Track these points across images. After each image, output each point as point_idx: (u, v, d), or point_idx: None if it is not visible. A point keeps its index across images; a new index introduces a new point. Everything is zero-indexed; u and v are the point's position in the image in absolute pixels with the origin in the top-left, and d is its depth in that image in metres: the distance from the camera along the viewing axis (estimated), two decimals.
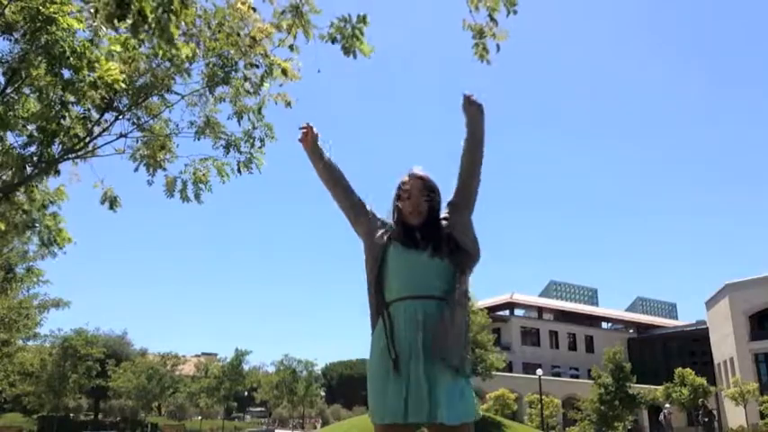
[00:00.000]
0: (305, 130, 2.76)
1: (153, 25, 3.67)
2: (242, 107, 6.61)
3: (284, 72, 5.69)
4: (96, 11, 4.19)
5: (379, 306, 2.58)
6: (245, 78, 5.95)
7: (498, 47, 4.75)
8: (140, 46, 5.75)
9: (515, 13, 4.59)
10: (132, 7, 3.68)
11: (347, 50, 5.09)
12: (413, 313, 2.46)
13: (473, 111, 2.66)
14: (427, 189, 2.61)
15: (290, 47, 5.36)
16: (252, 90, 6.11)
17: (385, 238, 2.61)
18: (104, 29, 5.52)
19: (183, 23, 5.05)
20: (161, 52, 5.39)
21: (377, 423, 2.42)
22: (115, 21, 3.91)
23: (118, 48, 6.59)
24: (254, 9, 5.17)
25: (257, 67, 5.62)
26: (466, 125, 2.68)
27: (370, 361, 2.54)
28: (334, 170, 2.81)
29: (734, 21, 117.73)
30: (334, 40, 5.08)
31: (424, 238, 2.54)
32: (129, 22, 3.81)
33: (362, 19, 4.99)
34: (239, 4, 5.11)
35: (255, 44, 5.34)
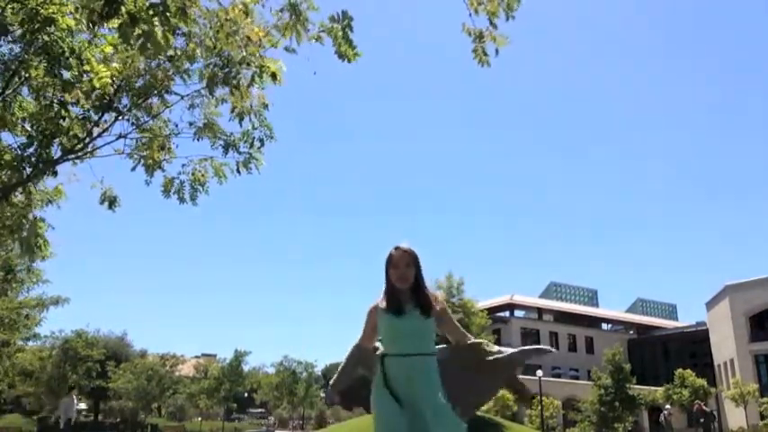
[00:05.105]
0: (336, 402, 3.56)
1: (144, 29, 3.63)
2: (243, 108, 6.58)
3: (274, 76, 5.64)
4: (83, 7, 4.15)
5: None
6: (234, 76, 5.88)
7: (497, 50, 4.76)
8: (132, 49, 5.71)
9: (513, 18, 4.60)
10: (122, 8, 3.64)
11: (341, 54, 5.06)
12: (402, 368, 3.19)
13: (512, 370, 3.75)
14: (411, 260, 3.31)
15: (286, 48, 5.32)
16: (241, 92, 6.05)
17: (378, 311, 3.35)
18: (89, 26, 5.47)
19: (182, 25, 5.02)
20: (149, 54, 5.35)
21: None
22: (100, 20, 3.87)
23: (109, 49, 6.56)
24: (247, 14, 5.12)
25: (249, 65, 5.55)
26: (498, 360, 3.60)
27: (374, 397, 3.29)
28: (355, 369, 3.49)
29: (732, 27, 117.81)
30: (318, 39, 5.05)
31: (411, 302, 3.27)
32: (117, 22, 3.77)
33: (346, 16, 4.95)
34: (234, 9, 5.07)
35: (250, 43, 5.29)
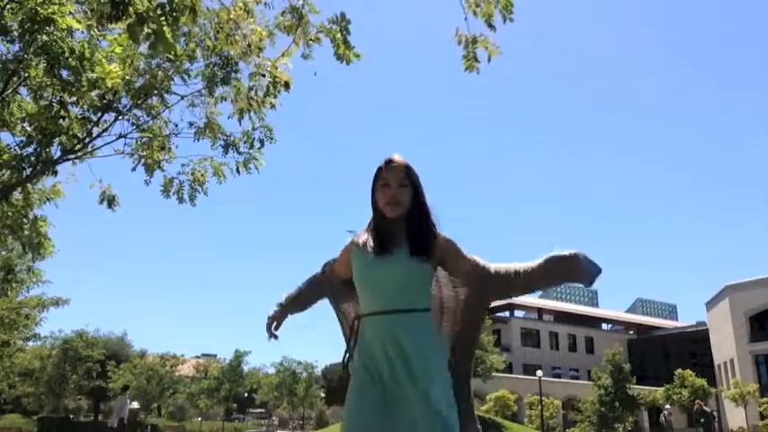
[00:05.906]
0: (274, 334, 2.62)
1: (153, 29, 3.63)
2: (243, 108, 6.59)
3: (286, 85, 5.66)
4: (92, 10, 4.16)
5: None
6: (251, 88, 5.91)
7: (489, 58, 4.71)
8: (137, 48, 5.72)
9: (511, 20, 4.56)
10: (130, 9, 3.64)
11: (339, 56, 5.06)
12: (380, 333, 2.14)
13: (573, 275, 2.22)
14: (406, 177, 2.22)
15: (303, 56, 5.32)
16: (258, 102, 6.06)
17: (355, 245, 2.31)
18: (98, 29, 5.50)
19: (189, 25, 5.01)
20: (158, 53, 5.36)
21: None
22: (108, 22, 3.87)
23: (118, 50, 6.57)
24: (248, 12, 5.12)
25: (263, 76, 5.57)
26: (553, 274, 2.21)
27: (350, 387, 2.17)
28: (311, 298, 2.73)
29: (734, 27, 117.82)
30: (316, 41, 5.05)
31: (402, 237, 2.21)
32: (125, 23, 3.77)
33: (343, 18, 4.95)
34: (236, 9, 5.07)
35: (254, 49, 5.30)
